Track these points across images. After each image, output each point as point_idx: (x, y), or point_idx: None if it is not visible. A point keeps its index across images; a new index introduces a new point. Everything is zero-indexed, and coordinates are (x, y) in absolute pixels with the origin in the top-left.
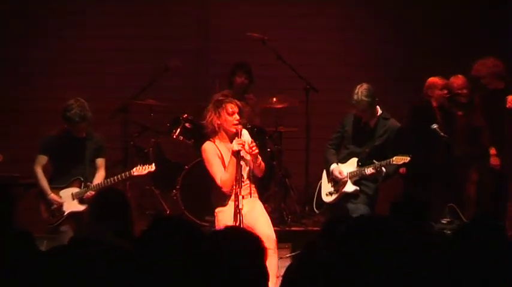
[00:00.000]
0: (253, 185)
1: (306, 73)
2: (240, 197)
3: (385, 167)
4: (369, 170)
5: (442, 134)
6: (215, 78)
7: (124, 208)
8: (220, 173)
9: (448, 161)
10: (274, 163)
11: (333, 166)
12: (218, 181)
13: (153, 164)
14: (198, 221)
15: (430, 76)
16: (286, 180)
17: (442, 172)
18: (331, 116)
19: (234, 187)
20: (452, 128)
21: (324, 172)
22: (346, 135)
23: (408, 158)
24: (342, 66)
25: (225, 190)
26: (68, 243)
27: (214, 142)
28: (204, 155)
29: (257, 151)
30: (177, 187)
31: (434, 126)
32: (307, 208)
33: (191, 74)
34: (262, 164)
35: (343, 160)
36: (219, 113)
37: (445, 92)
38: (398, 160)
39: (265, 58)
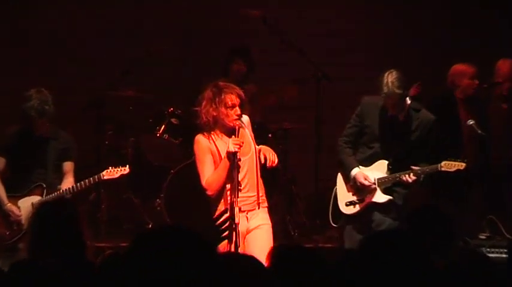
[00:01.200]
0: (259, 195)
1: (317, 59)
2: (236, 209)
3: (423, 174)
4: (408, 178)
5: (479, 131)
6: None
7: (73, 223)
8: (208, 173)
9: (485, 163)
10: (278, 166)
11: (355, 171)
12: (203, 182)
13: (127, 166)
14: None
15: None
16: (293, 187)
17: (477, 177)
18: (347, 110)
19: (229, 197)
20: (488, 124)
21: (339, 176)
22: (369, 132)
23: (463, 165)
24: (362, 51)
25: (209, 193)
26: (10, 269)
27: (209, 136)
28: (195, 149)
29: (275, 161)
30: (161, 195)
31: (471, 122)
32: (318, 221)
33: (178, 60)
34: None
35: (366, 162)
36: (216, 105)
37: (476, 82)
38: (450, 166)
39: (267, 40)
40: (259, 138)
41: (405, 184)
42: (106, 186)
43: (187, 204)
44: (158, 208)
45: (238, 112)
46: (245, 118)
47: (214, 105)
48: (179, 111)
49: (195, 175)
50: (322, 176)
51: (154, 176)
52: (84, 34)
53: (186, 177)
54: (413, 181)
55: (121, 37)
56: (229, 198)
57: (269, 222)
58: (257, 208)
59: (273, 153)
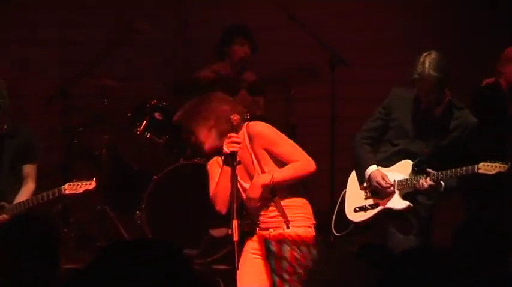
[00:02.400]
0: (274, 211)
1: (331, 40)
2: (234, 223)
3: (445, 179)
4: (424, 182)
5: None
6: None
7: (48, 243)
8: (213, 185)
9: None
10: None
11: (372, 169)
12: (210, 195)
13: (94, 180)
14: None
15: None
16: None
17: None
18: (368, 103)
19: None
20: None
21: (351, 176)
22: (395, 126)
23: (506, 166)
24: (386, 32)
25: (216, 207)
26: None
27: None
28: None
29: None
30: (142, 206)
31: None
32: (331, 237)
33: (163, 42)
34: (301, 169)
35: (388, 162)
36: (209, 131)
37: None
38: (490, 168)
39: (270, 18)
40: None
41: (423, 192)
42: (77, 196)
43: (173, 217)
44: (138, 222)
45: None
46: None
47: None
48: (164, 104)
49: (182, 182)
50: (338, 182)
51: (133, 182)
52: (50, 13)
53: (172, 184)
54: (430, 187)
55: (95, 14)
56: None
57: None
58: (284, 227)
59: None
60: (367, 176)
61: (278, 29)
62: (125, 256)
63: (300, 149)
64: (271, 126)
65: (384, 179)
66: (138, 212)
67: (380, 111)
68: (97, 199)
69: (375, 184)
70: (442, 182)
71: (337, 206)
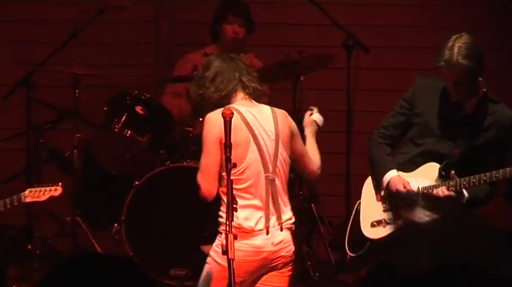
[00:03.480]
0: (277, 207)
1: (348, 21)
2: (229, 237)
3: (467, 189)
4: (440, 191)
5: None
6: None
7: None
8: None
9: None
10: (291, 175)
11: (391, 174)
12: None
13: (60, 185)
14: (156, 278)
15: None
16: (313, 206)
17: None
18: (392, 94)
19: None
20: None
21: (367, 184)
22: (419, 122)
23: None
24: (415, 10)
25: (201, 192)
26: None
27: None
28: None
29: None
30: (121, 218)
31: None
32: (348, 255)
33: (147, 23)
34: (314, 158)
35: (410, 165)
36: None
37: None
38: None
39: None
40: None
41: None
42: (40, 205)
43: (158, 231)
44: (116, 237)
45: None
46: None
47: None
48: (147, 95)
49: (169, 189)
50: (355, 189)
51: (111, 190)
52: None
53: (157, 192)
54: (448, 198)
55: None
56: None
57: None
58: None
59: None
60: (385, 183)
61: (286, 7)
62: (72, 277)
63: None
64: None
65: (405, 186)
66: (116, 225)
67: (401, 105)
68: (67, 209)
69: (393, 192)
70: (464, 191)
71: (351, 220)
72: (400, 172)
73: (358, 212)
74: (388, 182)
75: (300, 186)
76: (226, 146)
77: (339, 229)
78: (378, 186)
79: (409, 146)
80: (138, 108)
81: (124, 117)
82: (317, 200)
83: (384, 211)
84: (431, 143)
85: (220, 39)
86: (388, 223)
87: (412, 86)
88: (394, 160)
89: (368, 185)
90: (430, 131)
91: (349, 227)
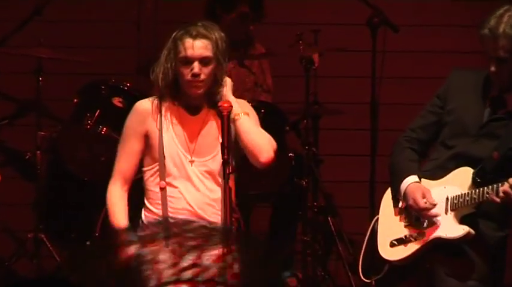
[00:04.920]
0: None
1: None
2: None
3: None
4: (496, 197)
5: None
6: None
7: None
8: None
9: None
10: (304, 182)
11: (409, 180)
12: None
13: None
14: None
15: None
16: (330, 220)
17: None
18: (426, 83)
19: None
20: None
21: (386, 196)
22: (452, 121)
23: None
24: None
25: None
26: None
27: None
28: None
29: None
30: (95, 234)
31: None
32: (373, 280)
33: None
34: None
35: (439, 170)
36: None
37: None
38: None
39: None
40: (272, 133)
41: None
42: None
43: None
44: None
45: (196, 70)
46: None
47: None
48: (127, 84)
49: None
50: (381, 198)
51: (82, 200)
52: None
53: (138, 201)
54: (503, 201)
55: None
56: None
57: None
58: None
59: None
60: (402, 192)
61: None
62: None
63: None
64: None
65: (424, 195)
66: (87, 242)
67: (433, 103)
68: (28, 223)
69: (410, 202)
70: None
71: (366, 239)
72: (426, 179)
73: (375, 228)
74: (405, 191)
75: (315, 195)
76: (224, 146)
77: (358, 248)
78: (396, 196)
79: (440, 150)
80: (116, 100)
81: (98, 111)
82: (335, 212)
83: (405, 226)
84: (465, 144)
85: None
86: (410, 241)
87: (446, 80)
88: (419, 166)
89: (387, 197)
90: (463, 131)
91: (363, 247)
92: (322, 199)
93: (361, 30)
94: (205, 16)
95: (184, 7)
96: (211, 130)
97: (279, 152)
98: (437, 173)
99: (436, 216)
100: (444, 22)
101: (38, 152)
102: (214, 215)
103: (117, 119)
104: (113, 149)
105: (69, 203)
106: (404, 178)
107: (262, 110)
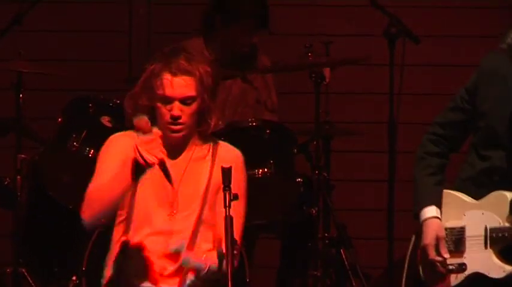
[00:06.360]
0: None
1: (392, 2)
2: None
3: None
4: None
5: None
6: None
7: None
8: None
9: None
10: (314, 210)
11: (428, 213)
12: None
13: None
14: None
15: None
16: (343, 252)
17: None
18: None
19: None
20: None
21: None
22: (483, 126)
23: None
24: None
25: (84, 213)
26: None
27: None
28: None
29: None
30: (82, 268)
31: None
32: None
33: (118, 4)
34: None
35: (472, 186)
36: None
37: None
38: None
39: None
40: (279, 151)
41: None
42: None
43: (130, 283)
44: None
45: (175, 112)
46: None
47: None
48: (117, 102)
49: None
50: (401, 230)
51: (66, 230)
52: None
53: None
54: None
55: None
56: None
57: None
58: None
59: None
60: (420, 220)
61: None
62: None
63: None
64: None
65: (438, 238)
66: (74, 278)
67: (462, 97)
68: (7, 256)
69: (425, 242)
70: None
71: (407, 260)
72: (461, 194)
73: (415, 251)
74: (423, 223)
75: (326, 225)
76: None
77: (378, 284)
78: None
79: (473, 157)
80: (105, 120)
81: (85, 131)
82: (348, 244)
83: (452, 251)
84: (500, 158)
85: (221, 37)
86: (452, 269)
87: (476, 72)
88: (441, 181)
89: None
90: (496, 141)
91: (405, 270)
92: (334, 229)
93: (377, 42)
94: (203, 27)
95: (180, 15)
96: (192, 178)
97: (286, 177)
98: (470, 187)
99: (479, 250)
100: (470, 33)
101: (18, 177)
102: None
103: (106, 140)
104: None
105: (52, 233)
106: (425, 206)
107: (268, 131)
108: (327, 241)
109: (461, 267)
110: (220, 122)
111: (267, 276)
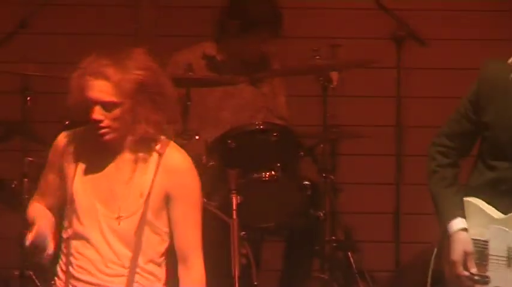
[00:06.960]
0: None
1: (399, 5)
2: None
3: None
4: None
5: None
6: None
7: None
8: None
9: None
10: (321, 214)
11: (456, 226)
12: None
13: None
14: None
15: None
16: (350, 255)
17: None
18: (457, 104)
19: None
20: None
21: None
22: (489, 136)
23: None
24: None
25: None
26: None
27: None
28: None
29: None
30: None
31: None
32: None
33: (125, 7)
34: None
35: (482, 194)
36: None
37: None
38: None
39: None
40: (283, 156)
41: None
42: None
43: None
44: None
45: (95, 116)
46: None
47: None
48: None
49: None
50: (408, 233)
51: None
52: None
53: None
54: None
55: None
56: None
57: None
58: None
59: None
60: (449, 233)
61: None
62: None
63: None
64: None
65: (466, 253)
66: None
67: (466, 108)
68: (14, 259)
69: (452, 258)
70: None
71: (430, 270)
72: (482, 203)
73: (438, 259)
74: (452, 237)
75: (333, 229)
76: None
77: None
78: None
79: (480, 168)
80: None
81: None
82: (355, 247)
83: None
84: (505, 169)
85: (234, 44)
86: (478, 280)
87: (476, 83)
88: (459, 190)
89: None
90: (501, 151)
91: (430, 270)
92: (341, 232)
93: (384, 45)
94: (216, 31)
95: (186, 18)
96: (133, 180)
97: (293, 180)
98: (481, 195)
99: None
100: (477, 36)
101: (25, 179)
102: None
103: None
104: None
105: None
106: (451, 219)
107: (275, 134)
108: (334, 244)
109: (485, 279)
110: (151, 131)
111: (273, 279)
